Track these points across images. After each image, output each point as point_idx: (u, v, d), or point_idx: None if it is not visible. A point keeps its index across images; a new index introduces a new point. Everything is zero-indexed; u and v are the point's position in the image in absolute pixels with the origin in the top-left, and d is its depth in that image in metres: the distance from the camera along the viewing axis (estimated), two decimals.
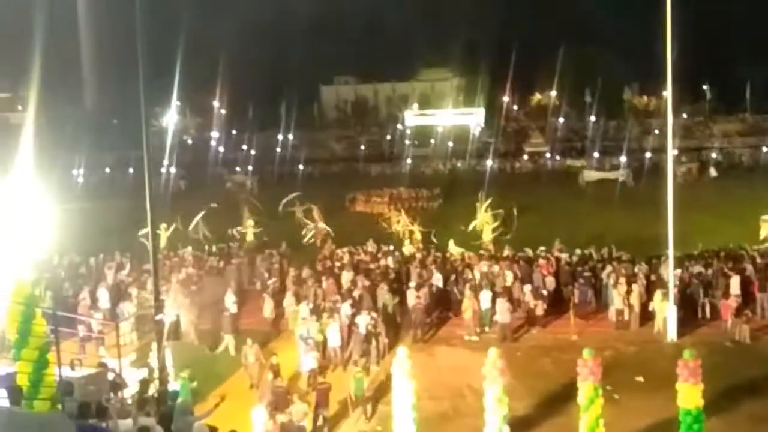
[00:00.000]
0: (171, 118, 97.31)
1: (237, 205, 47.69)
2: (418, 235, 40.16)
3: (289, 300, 28.15)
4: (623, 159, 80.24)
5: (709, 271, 29.16)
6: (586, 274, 29.56)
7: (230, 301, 27.50)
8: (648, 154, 78.70)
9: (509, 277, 29.41)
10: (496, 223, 39.69)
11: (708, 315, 27.10)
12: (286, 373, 21.93)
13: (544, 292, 28.18)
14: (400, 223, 41.56)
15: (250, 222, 43.21)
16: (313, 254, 37.41)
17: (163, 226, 38.99)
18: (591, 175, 73.78)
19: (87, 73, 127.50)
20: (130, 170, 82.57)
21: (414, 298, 27.20)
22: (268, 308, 27.85)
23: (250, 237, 42.21)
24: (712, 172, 73.06)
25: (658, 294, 26.15)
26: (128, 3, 16.25)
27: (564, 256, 32.52)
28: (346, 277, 30.38)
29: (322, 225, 42.68)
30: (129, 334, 25.58)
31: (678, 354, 17.60)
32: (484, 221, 40.05)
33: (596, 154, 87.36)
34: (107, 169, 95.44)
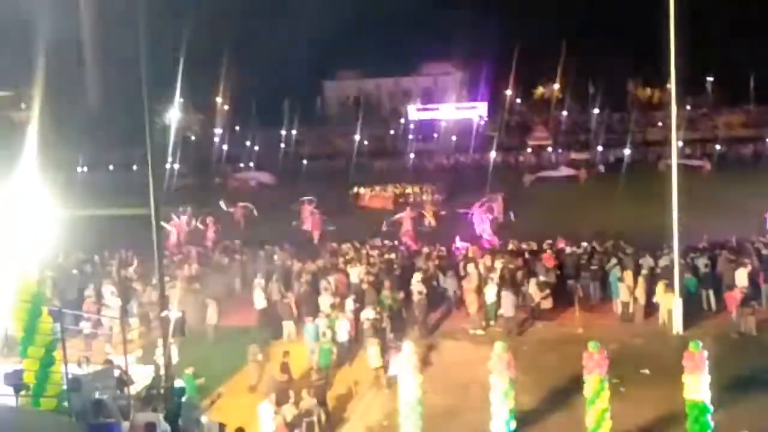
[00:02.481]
0: (174, 115, 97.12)
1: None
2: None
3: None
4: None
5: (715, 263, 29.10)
6: (593, 267, 29.50)
7: (259, 297, 27.57)
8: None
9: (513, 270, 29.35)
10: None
11: (713, 307, 27.07)
12: (299, 370, 21.89)
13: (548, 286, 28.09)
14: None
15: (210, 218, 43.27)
16: (311, 250, 37.31)
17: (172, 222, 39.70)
18: (531, 177, 68.84)
19: (90, 70, 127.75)
20: (134, 168, 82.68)
21: (417, 293, 27.17)
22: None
23: (210, 234, 42.11)
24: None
25: (660, 286, 26.10)
26: (131, 0, 16.24)
27: (568, 249, 32.48)
28: (355, 272, 30.28)
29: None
30: (135, 330, 25.62)
31: (684, 346, 17.60)
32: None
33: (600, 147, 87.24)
34: (111, 167, 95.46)
